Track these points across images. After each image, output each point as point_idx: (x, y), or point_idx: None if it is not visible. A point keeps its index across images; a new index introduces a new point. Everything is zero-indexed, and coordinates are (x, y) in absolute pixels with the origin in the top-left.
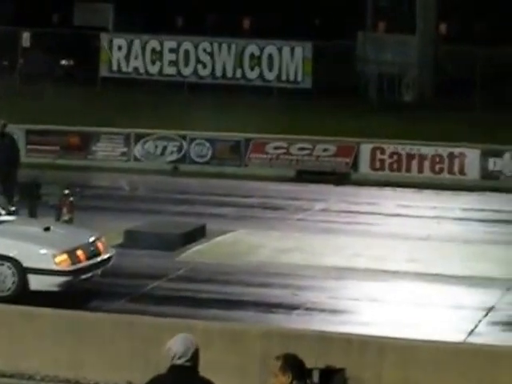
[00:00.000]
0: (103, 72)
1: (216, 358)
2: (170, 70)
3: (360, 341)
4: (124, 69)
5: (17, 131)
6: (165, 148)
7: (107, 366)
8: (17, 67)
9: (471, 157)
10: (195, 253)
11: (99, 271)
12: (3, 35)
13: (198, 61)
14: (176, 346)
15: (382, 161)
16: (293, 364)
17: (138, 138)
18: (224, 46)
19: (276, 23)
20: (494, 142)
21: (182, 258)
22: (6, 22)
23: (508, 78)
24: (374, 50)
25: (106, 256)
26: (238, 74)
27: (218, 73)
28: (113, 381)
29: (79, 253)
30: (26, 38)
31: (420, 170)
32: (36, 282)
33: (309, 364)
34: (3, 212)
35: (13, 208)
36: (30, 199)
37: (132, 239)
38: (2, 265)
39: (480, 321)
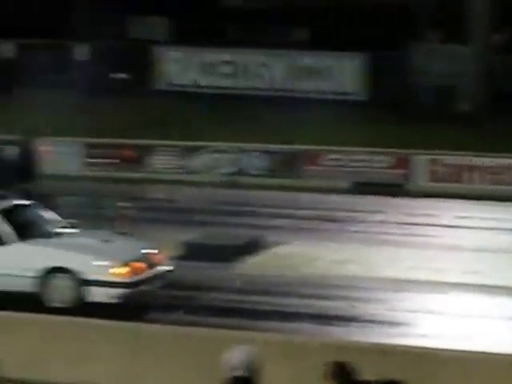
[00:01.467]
0: (158, 85)
1: (274, 370)
2: (224, 83)
3: (418, 353)
4: (179, 81)
5: (76, 145)
6: (221, 160)
7: (165, 377)
8: (72, 80)
9: None
10: (252, 265)
11: (157, 283)
12: (60, 48)
13: (253, 73)
14: (235, 357)
15: (439, 172)
16: (338, 373)
17: (194, 150)
18: (279, 58)
19: (331, 35)
20: None
21: (239, 270)
22: (63, 36)
23: None
24: (428, 61)
25: (163, 268)
26: (293, 85)
27: (274, 85)
28: None
29: (137, 265)
30: (81, 51)
31: (478, 181)
32: (94, 294)
33: (367, 376)
34: (62, 224)
35: (73, 221)
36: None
37: (189, 251)
38: (62, 276)
39: None
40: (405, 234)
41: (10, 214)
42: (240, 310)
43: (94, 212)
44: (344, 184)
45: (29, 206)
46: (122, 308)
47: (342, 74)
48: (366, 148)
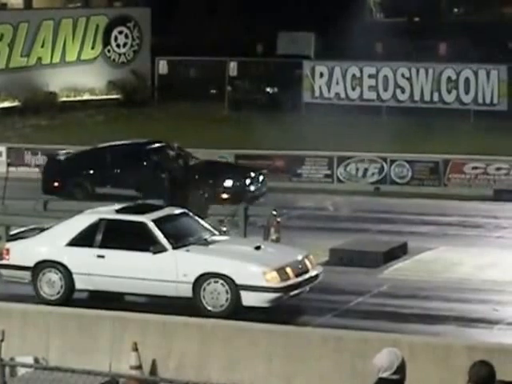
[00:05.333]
0: (306, 98)
1: (421, 372)
2: (369, 95)
3: None
4: (326, 94)
5: (226, 156)
6: (366, 170)
7: (315, 379)
8: (225, 95)
9: None
10: (397, 270)
11: (307, 288)
12: (212, 65)
13: (397, 85)
14: (382, 359)
15: None
16: (474, 372)
17: (341, 160)
18: (421, 70)
19: (470, 48)
20: None
21: (385, 275)
22: (215, 53)
23: None
24: None
25: (313, 273)
26: (436, 97)
27: (416, 96)
28: None
29: (288, 270)
30: (233, 67)
31: None
32: (248, 298)
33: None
34: (216, 232)
35: (224, 229)
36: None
37: (337, 257)
38: (217, 282)
39: None
40: None
41: (163, 223)
42: (386, 313)
43: (246, 220)
44: (487, 191)
45: (180, 214)
46: (274, 311)
47: (482, 85)
48: (507, 157)
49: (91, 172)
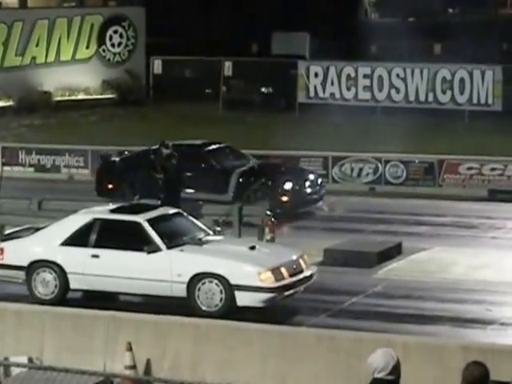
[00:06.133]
0: (301, 98)
1: (415, 372)
2: (364, 95)
3: None
4: (321, 95)
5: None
6: (361, 170)
7: (309, 378)
8: (220, 95)
9: None
10: (392, 270)
11: (302, 288)
12: (207, 65)
13: (392, 85)
14: (377, 360)
15: None
16: (468, 373)
17: (336, 160)
18: (416, 70)
19: (465, 48)
20: None
21: (379, 275)
22: (210, 53)
23: None
24: None
25: (307, 273)
26: (431, 97)
27: (411, 97)
28: None
29: (283, 270)
30: (227, 67)
31: None
32: (242, 298)
33: (505, 378)
34: (211, 232)
35: (218, 228)
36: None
37: (331, 257)
38: (211, 282)
39: None
40: None
41: (157, 223)
42: (380, 313)
43: (240, 220)
44: (481, 192)
45: (174, 214)
46: (268, 311)
47: (477, 85)
48: (501, 157)
49: (146, 173)
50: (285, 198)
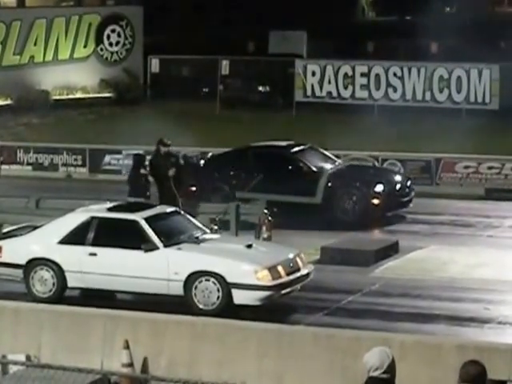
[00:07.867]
0: (298, 97)
1: (412, 371)
2: (361, 94)
3: None
4: (318, 93)
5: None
6: None
7: (307, 377)
8: (217, 93)
9: None
10: (388, 268)
11: (298, 286)
12: (204, 63)
13: (389, 84)
14: (373, 358)
15: None
16: (465, 371)
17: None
18: (413, 69)
19: (462, 46)
20: None
21: (376, 274)
22: (208, 51)
23: None
24: None
25: (304, 271)
26: (428, 96)
27: (408, 95)
28: None
29: (280, 268)
30: (225, 65)
31: None
32: (239, 297)
33: (502, 376)
34: (208, 231)
35: (215, 227)
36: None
37: (328, 255)
38: (208, 280)
39: None
40: None
41: (155, 221)
42: (377, 312)
43: (238, 218)
44: (478, 190)
45: (172, 212)
46: (265, 310)
47: (474, 84)
48: (498, 156)
49: (231, 176)
50: (376, 201)
